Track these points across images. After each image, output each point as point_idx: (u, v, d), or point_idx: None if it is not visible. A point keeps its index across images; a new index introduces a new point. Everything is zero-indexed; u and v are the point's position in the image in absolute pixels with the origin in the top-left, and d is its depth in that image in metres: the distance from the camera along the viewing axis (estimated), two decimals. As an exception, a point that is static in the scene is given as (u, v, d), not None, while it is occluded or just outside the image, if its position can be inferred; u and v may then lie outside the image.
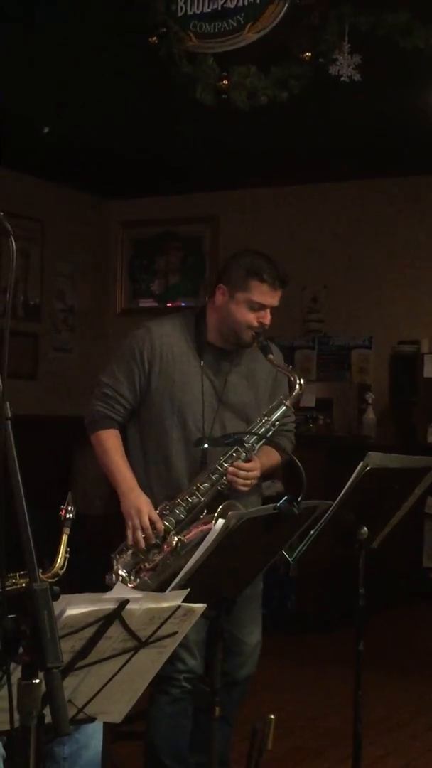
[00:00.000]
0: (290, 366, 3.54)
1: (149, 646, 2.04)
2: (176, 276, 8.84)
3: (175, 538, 3.21)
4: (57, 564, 2.72)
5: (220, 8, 4.48)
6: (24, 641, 1.64)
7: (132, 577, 3.23)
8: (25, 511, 1.68)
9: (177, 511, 3.26)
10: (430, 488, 3.27)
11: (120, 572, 3.24)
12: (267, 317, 3.35)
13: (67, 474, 7.62)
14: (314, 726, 4.86)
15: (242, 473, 3.24)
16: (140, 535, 3.24)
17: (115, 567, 3.26)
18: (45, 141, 6.99)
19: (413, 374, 7.53)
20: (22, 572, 2.50)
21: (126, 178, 8.21)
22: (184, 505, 3.26)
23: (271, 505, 2.64)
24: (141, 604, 1.96)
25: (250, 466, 3.27)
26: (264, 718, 2.99)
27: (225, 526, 2.49)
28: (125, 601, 1.91)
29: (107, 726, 2.79)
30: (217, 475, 3.25)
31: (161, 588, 2.94)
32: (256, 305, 3.31)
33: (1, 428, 1.72)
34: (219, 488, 3.25)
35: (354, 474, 3.00)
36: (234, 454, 3.25)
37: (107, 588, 3.16)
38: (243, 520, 2.54)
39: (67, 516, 2.75)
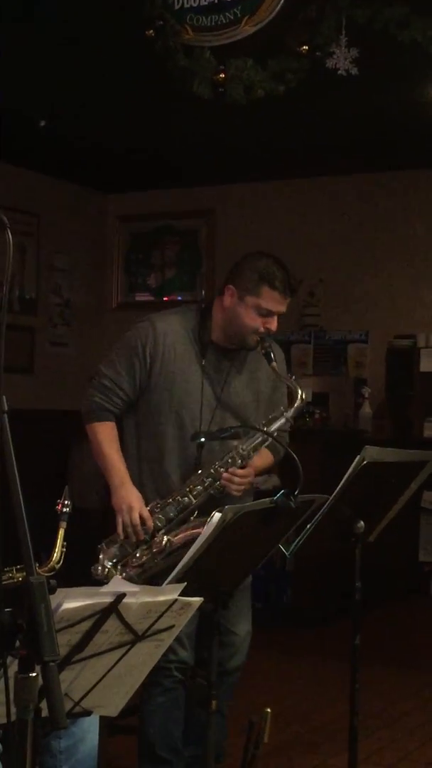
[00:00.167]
0: (292, 376, 3.53)
1: (146, 640, 2.04)
2: (173, 270, 8.83)
3: (165, 538, 3.22)
4: (54, 558, 2.72)
5: (216, 1, 4.47)
6: (21, 635, 1.64)
7: (118, 570, 3.23)
8: (22, 505, 1.68)
9: (168, 510, 3.27)
10: (426, 482, 3.28)
11: (106, 564, 3.25)
12: (274, 323, 3.33)
13: (64, 468, 7.62)
14: (310, 719, 4.87)
15: (236, 479, 3.25)
16: (130, 531, 3.24)
17: (101, 558, 3.26)
18: (41, 135, 6.97)
19: (409, 368, 7.52)
20: (18, 566, 2.50)
21: (122, 171, 8.20)
22: (176, 505, 3.26)
23: (267, 498, 2.63)
24: (137, 597, 1.96)
25: (245, 473, 3.27)
26: (260, 712, 3.00)
27: (222, 520, 2.49)
28: (122, 595, 1.91)
29: (103, 720, 2.79)
30: (210, 479, 3.25)
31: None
32: (264, 311, 3.30)
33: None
34: (211, 492, 3.25)
35: (350, 468, 3.00)
36: (230, 461, 3.25)
37: (93, 580, 3.17)
38: (240, 514, 2.54)
39: (64, 510, 2.75)
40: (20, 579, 2.48)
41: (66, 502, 2.75)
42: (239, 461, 3.26)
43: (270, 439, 3.31)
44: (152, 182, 8.43)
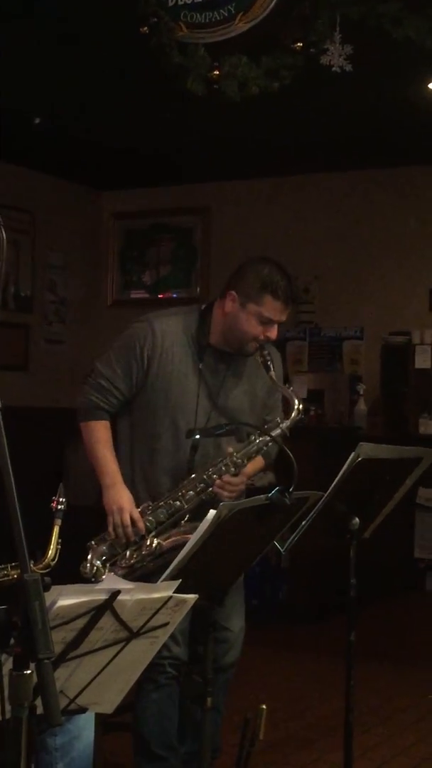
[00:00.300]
0: (290, 387, 3.53)
1: (141, 637, 2.04)
2: (167, 267, 8.82)
3: (155, 541, 3.22)
4: (49, 555, 2.72)
5: (211, -2, 4.47)
6: (15, 632, 1.64)
7: (107, 569, 3.23)
8: (17, 502, 1.68)
9: (159, 513, 3.27)
10: (421, 479, 3.28)
11: (95, 562, 3.25)
12: (274, 332, 3.33)
13: (59, 466, 7.61)
14: (306, 716, 4.87)
15: (229, 487, 3.25)
16: (120, 532, 3.24)
17: (90, 557, 3.26)
18: (36, 132, 6.97)
19: (404, 365, 7.53)
20: (13, 563, 2.50)
21: (117, 169, 8.19)
22: (167, 508, 3.26)
23: (262, 495, 2.64)
24: (132, 595, 1.96)
25: (237, 481, 3.27)
26: (256, 709, 3.00)
27: (217, 517, 2.49)
28: (116, 592, 1.91)
29: (99, 717, 2.79)
30: (203, 485, 3.25)
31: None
32: (265, 319, 3.29)
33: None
34: (203, 498, 3.25)
35: (345, 465, 3.01)
36: (223, 468, 3.25)
37: (81, 577, 3.17)
38: (234, 511, 2.54)
39: (59, 507, 2.75)
40: (15, 576, 2.48)
41: (61, 499, 2.75)
42: (232, 469, 3.26)
43: (264, 448, 3.31)
44: (147, 180, 8.42)
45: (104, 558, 3.27)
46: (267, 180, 8.24)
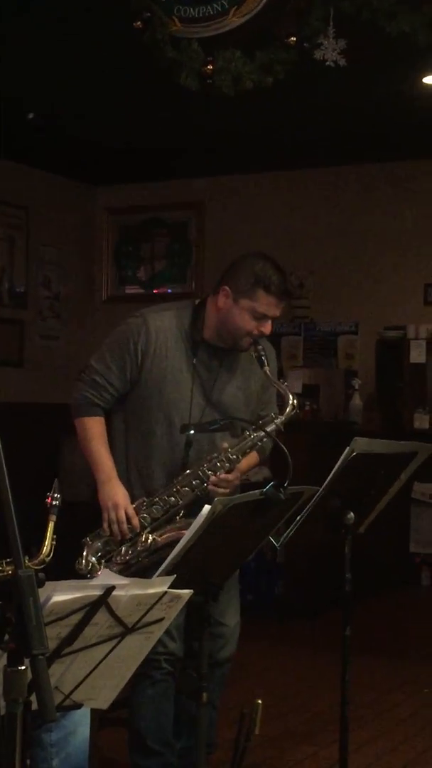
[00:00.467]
0: (285, 382, 3.52)
1: (136, 632, 2.04)
2: (162, 262, 8.82)
3: (150, 537, 3.22)
4: (43, 551, 2.72)
5: (204, -8, 4.46)
6: (9, 628, 1.64)
7: (102, 565, 3.23)
8: (10, 498, 1.68)
9: (154, 509, 3.26)
10: (416, 473, 3.28)
11: (90, 558, 3.25)
12: (268, 327, 3.32)
13: (54, 461, 7.61)
14: (302, 710, 4.88)
15: (224, 484, 3.24)
16: (116, 528, 3.24)
17: (85, 553, 3.26)
18: (30, 127, 6.96)
19: (399, 360, 7.54)
20: (8, 559, 2.50)
21: (112, 164, 8.18)
22: (162, 504, 3.26)
23: (257, 490, 2.63)
24: (127, 590, 1.96)
25: (232, 477, 3.27)
26: (251, 703, 3.00)
27: (212, 512, 2.49)
28: (111, 588, 1.91)
29: (94, 712, 2.79)
30: (198, 481, 3.25)
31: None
32: (259, 314, 3.28)
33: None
34: (198, 494, 3.25)
35: (340, 459, 3.01)
36: (218, 464, 3.25)
37: (77, 573, 3.17)
38: (229, 506, 2.54)
39: (54, 503, 2.75)
40: (9, 572, 2.47)
41: (56, 495, 2.75)
42: (227, 464, 3.25)
43: (259, 443, 3.31)
44: (141, 174, 8.41)
45: (99, 554, 3.27)
46: (262, 175, 8.24)
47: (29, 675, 1.63)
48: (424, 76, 5.91)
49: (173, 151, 7.67)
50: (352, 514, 3.10)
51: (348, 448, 3.00)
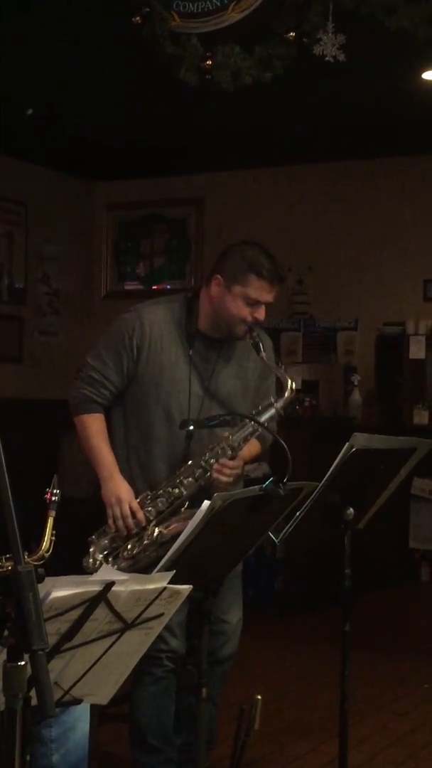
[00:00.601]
0: (282, 366, 3.51)
1: (135, 628, 2.04)
2: (161, 258, 8.81)
3: (156, 530, 3.21)
4: (43, 547, 2.71)
5: (203, -12, 4.45)
6: (9, 624, 1.64)
7: (109, 562, 3.22)
8: (9, 494, 1.68)
9: (158, 502, 3.26)
10: (416, 469, 3.28)
11: (97, 556, 3.24)
12: (262, 313, 3.32)
13: (53, 457, 7.61)
14: (301, 706, 4.88)
15: (227, 470, 3.24)
16: (121, 524, 3.24)
17: (92, 551, 3.26)
18: (29, 123, 6.95)
19: (399, 355, 7.54)
20: (7, 555, 2.50)
21: (111, 160, 8.17)
22: (166, 496, 3.25)
23: (257, 486, 2.63)
24: (127, 585, 1.96)
25: (234, 464, 3.27)
26: (251, 699, 3.01)
27: (211, 507, 2.49)
28: (111, 583, 1.91)
29: (94, 708, 2.79)
30: (201, 471, 3.24)
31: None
32: (252, 300, 3.28)
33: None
34: (201, 483, 3.24)
35: (340, 455, 3.01)
36: (219, 452, 3.24)
37: (84, 572, 3.17)
38: (229, 501, 2.54)
39: (53, 499, 2.74)
40: (9, 568, 2.47)
41: (55, 491, 2.75)
42: (229, 452, 3.25)
43: (260, 430, 3.30)
44: (141, 170, 8.40)
45: (106, 552, 3.27)
46: (261, 170, 8.23)
47: (29, 670, 1.64)
48: (424, 72, 5.90)
49: (172, 147, 7.67)
50: (351, 509, 3.10)
51: (347, 444, 3.00)
